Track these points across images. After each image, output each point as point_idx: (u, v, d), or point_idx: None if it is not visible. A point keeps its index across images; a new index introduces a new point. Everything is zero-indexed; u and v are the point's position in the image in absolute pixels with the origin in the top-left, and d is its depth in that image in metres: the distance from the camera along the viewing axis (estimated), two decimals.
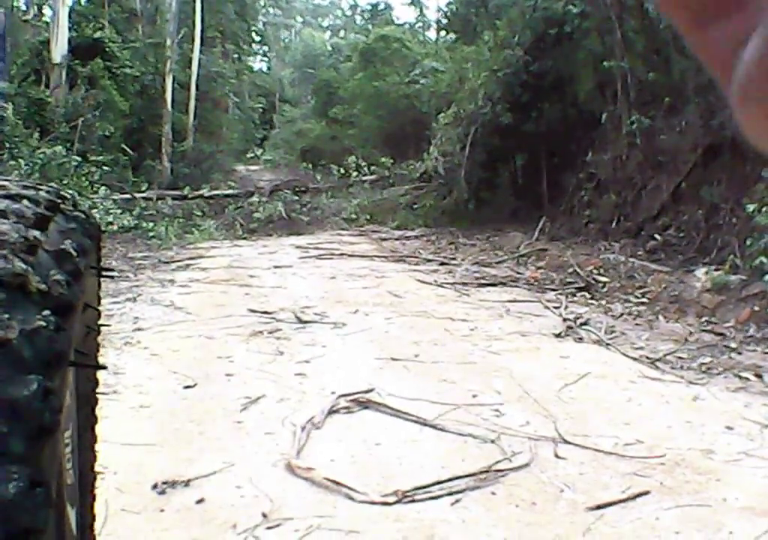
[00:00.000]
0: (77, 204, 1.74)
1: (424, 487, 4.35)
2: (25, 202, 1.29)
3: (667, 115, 14.38)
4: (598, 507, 4.23)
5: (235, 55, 38.73)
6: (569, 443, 5.19)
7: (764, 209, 9.92)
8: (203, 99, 31.38)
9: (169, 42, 28.16)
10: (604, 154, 16.14)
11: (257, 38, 46.22)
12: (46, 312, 1.01)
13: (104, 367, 1.93)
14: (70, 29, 24.55)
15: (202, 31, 31.17)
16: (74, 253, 1.26)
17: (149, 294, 10.70)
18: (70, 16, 24.88)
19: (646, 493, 4.43)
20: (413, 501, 4.23)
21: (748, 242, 10.15)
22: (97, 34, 25.55)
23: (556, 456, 4.98)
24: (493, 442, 5.15)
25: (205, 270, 13.16)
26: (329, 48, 52.09)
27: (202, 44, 31.15)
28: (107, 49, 25.34)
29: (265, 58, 62.60)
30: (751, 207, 10.20)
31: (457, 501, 4.26)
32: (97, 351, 2.00)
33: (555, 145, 18.23)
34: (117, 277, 11.67)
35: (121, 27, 29.17)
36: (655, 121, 14.41)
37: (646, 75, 14.62)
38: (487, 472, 4.58)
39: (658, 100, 14.48)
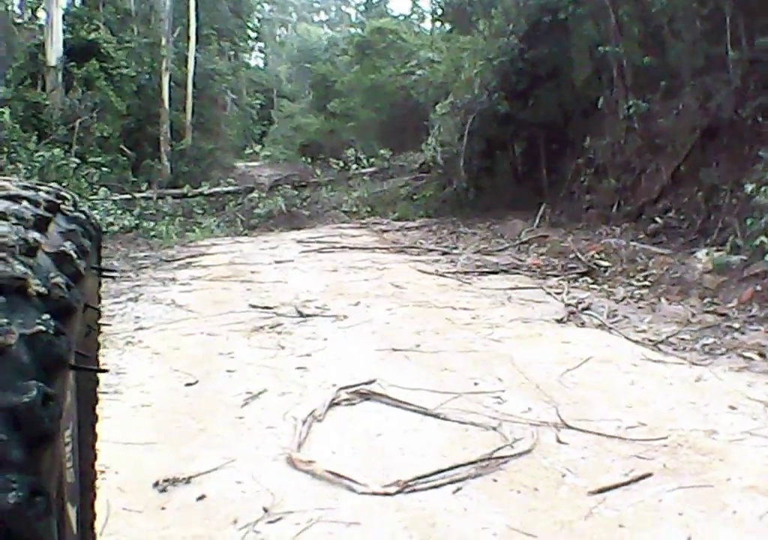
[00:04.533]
0: (77, 204, 1.72)
1: (426, 476, 4.35)
2: (25, 203, 1.26)
3: (664, 99, 14.35)
4: (600, 491, 4.22)
5: (231, 52, 38.71)
6: (571, 428, 5.18)
7: (763, 189, 9.89)
8: (201, 97, 31.36)
9: (164, 41, 28.16)
10: (602, 139, 16.12)
11: (253, 35, 46.07)
12: (46, 316, 0.98)
13: (105, 370, 1.89)
14: (64, 31, 24.57)
15: (197, 29, 31.13)
16: (74, 255, 1.23)
17: (151, 293, 10.68)
18: (64, 19, 24.90)
19: (649, 475, 4.42)
20: (414, 491, 4.22)
21: (748, 222, 10.12)
22: (92, 36, 25.50)
23: (558, 441, 4.97)
24: (494, 429, 5.14)
25: (207, 267, 13.14)
26: (325, 42, 51.95)
27: (197, 42, 31.12)
28: (102, 50, 25.31)
29: (262, 54, 62.55)
30: (749, 187, 10.18)
31: (458, 489, 4.25)
32: (98, 352, 1.97)
33: (553, 131, 18.21)
34: (119, 277, 11.67)
35: (116, 27, 29.10)
36: (652, 105, 14.37)
37: (642, 59, 14.57)
38: (488, 459, 4.58)
39: (655, 84, 14.43)
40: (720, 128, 12.51)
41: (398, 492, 4.18)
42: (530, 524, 3.85)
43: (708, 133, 12.87)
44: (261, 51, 60.90)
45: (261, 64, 61.96)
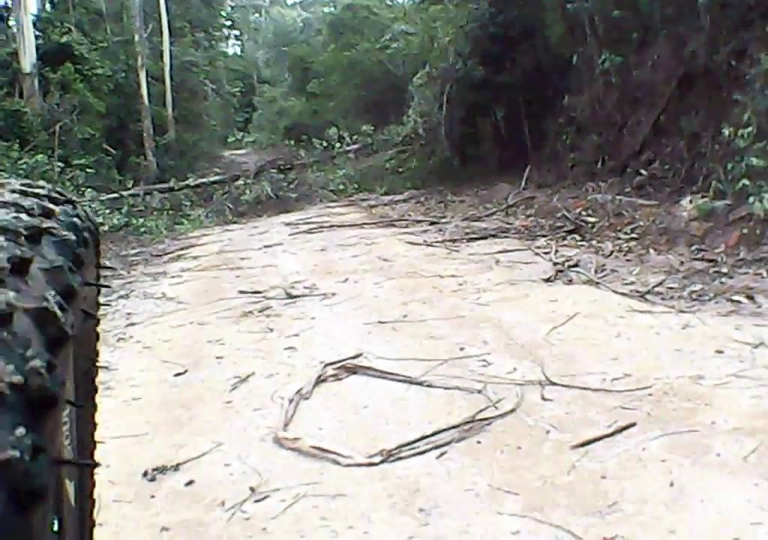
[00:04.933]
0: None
1: (410, 443, 4.37)
2: (1, 239, 0.99)
3: (638, 51, 14.32)
4: (583, 444, 4.23)
5: (206, 43, 38.50)
6: (556, 385, 5.20)
7: (740, 132, 9.89)
8: (180, 90, 31.27)
9: (137, 38, 28.03)
10: (581, 96, 16.07)
11: (227, 23, 45.91)
12: (21, 430, 0.75)
13: (98, 464, 1.75)
14: (36, 37, 24.48)
15: (169, 22, 31.01)
16: (60, 312, 0.94)
17: (141, 288, 10.69)
18: (35, 25, 24.81)
19: (633, 425, 4.43)
20: (399, 458, 4.25)
21: (729, 166, 10.12)
22: (64, 39, 25.38)
23: (543, 398, 4.98)
24: (479, 392, 5.15)
25: (197, 258, 13.15)
26: (300, 24, 51.74)
27: (171, 36, 31.01)
28: (76, 53, 25.20)
29: (238, 42, 62.27)
30: (726, 131, 10.18)
31: (442, 454, 4.27)
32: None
33: (532, 92, 18.12)
34: (110, 276, 11.66)
35: (88, 28, 29.00)
36: (627, 58, 14.34)
37: (613, 12, 14.49)
38: (471, 422, 4.60)
39: (628, 37, 14.38)
40: (696, 75, 12.48)
41: (383, 461, 4.21)
42: (513, 483, 3.88)
43: (685, 81, 12.85)
44: (237, 38, 60.63)
45: (238, 52, 61.78)
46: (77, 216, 1.40)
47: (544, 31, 17.75)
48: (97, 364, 1.66)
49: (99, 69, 25.92)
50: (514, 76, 17.76)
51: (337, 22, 33.32)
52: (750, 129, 9.81)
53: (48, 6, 30.15)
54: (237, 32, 57.15)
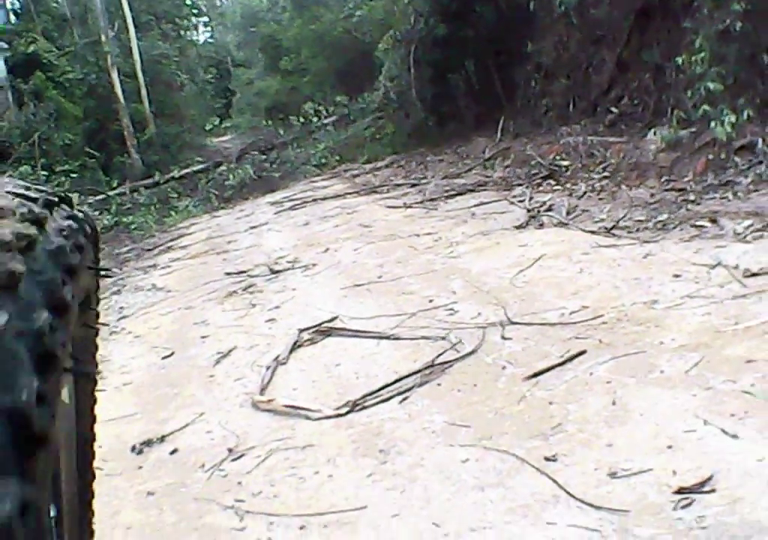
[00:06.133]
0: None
1: (374, 392, 4.61)
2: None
3: None
4: (534, 375, 4.45)
5: (174, 33, 38.25)
6: (515, 323, 5.41)
7: (693, 58, 10.02)
8: (154, 84, 31.13)
9: (104, 38, 27.91)
10: (545, 41, 16.12)
11: (193, 11, 45.51)
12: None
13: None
14: (3, 50, 24.55)
15: (134, 18, 30.86)
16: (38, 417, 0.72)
17: (133, 282, 10.88)
18: (1, 38, 24.86)
19: (583, 352, 4.64)
20: (364, 408, 4.49)
21: (689, 94, 10.26)
22: (31, 48, 25.37)
23: (503, 337, 5.20)
24: (443, 338, 5.38)
25: (185, 247, 13.30)
26: (266, 3, 51.19)
27: (137, 31, 30.83)
28: (44, 60, 25.21)
29: (208, 28, 61.81)
30: (679, 59, 10.31)
31: (405, 399, 4.51)
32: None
33: (498, 44, 18.09)
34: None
35: (56, 35, 28.97)
36: None
37: None
38: (431, 366, 4.82)
39: None
40: (652, 7, 12.58)
41: (349, 412, 4.45)
42: (467, 417, 4.12)
43: (642, 14, 12.94)
44: (206, 25, 60.16)
45: (209, 38, 61.35)
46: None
47: None
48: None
49: (70, 74, 25.97)
50: (478, 30, 17.78)
51: None
52: (703, 55, 9.94)
53: (12, 18, 30.12)
54: (205, 19, 56.76)
